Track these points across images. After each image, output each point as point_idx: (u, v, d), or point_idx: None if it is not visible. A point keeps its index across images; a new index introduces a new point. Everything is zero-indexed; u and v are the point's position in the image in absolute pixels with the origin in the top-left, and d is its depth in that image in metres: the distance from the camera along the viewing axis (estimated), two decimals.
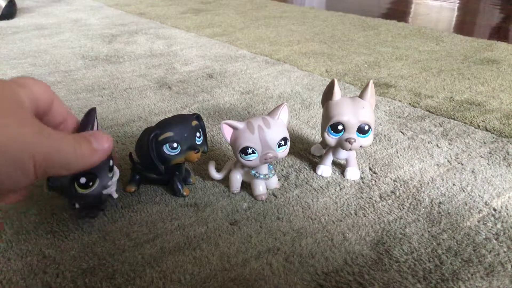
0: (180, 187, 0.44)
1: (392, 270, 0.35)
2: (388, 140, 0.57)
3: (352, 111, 0.43)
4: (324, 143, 0.53)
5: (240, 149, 0.40)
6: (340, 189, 0.46)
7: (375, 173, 0.49)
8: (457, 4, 1.84)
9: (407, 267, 0.35)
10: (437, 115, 0.65)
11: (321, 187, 0.47)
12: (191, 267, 0.35)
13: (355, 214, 0.42)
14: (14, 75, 0.83)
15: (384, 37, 1.15)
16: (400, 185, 0.47)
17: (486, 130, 0.60)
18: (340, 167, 0.50)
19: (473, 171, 0.50)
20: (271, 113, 0.42)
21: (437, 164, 0.51)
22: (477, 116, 0.64)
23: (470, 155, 0.53)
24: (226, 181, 0.46)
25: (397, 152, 0.54)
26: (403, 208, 0.43)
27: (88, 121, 0.33)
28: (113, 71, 0.86)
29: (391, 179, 0.48)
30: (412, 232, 0.39)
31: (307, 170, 0.50)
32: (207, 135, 0.55)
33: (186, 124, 0.42)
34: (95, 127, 0.34)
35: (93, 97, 0.73)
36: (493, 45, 1.06)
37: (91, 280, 0.34)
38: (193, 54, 0.99)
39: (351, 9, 1.67)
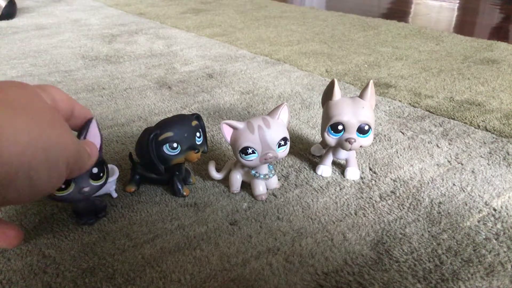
0: (180, 187, 0.44)
1: (392, 270, 0.35)
2: (388, 140, 0.57)
3: (352, 111, 0.43)
4: (324, 143, 0.53)
5: (240, 149, 0.40)
6: (340, 189, 0.46)
7: (375, 173, 0.49)
8: (457, 4, 1.84)
9: (407, 267, 0.35)
10: (437, 115, 0.65)
11: (321, 187, 0.47)
12: (191, 267, 0.35)
13: (355, 214, 0.42)
14: (14, 75, 0.84)
15: (384, 37, 1.15)
16: (400, 185, 0.47)
17: (486, 130, 0.60)
18: (340, 167, 0.50)
19: (473, 171, 0.49)
20: (271, 113, 0.42)
21: (437, 164, 0.51)
22: (477, 116, 0.64)
23: (470, 155, 0.53)
24: (226, 181, 0.46)
25: (397, 152, 0.54)
26: (403, 208, 0.43)
27: (83, 129, 0.35)
28: (113, 71, 0.86)
29: (391, 179, 0.48)
30: (412, 232, 0.39)
31: (307, 170, 0.50)
32: (207, 135, 0.55)
33: (186, 124, 0.42)
34: (94, 136, 0.35)
35: (93, 97, 0.73)
36: (493, 45, 1.06)
37: (91, 280, 0.34)
38: (193, 54, 0.99)
39: (351, 9, 1.67)
